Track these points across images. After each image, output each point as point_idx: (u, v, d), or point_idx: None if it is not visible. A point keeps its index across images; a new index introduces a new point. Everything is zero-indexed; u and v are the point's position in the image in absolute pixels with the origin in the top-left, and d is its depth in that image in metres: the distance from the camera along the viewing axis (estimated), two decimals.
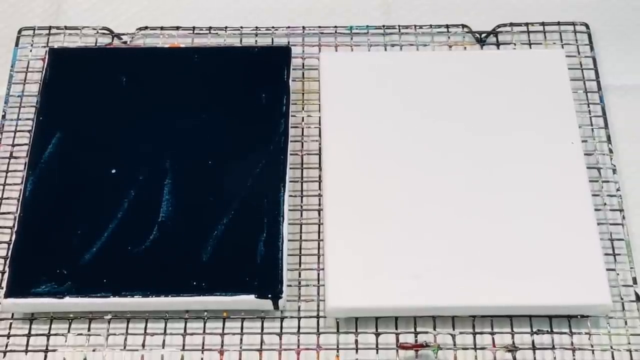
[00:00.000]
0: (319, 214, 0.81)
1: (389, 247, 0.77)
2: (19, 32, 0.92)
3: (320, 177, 0.83)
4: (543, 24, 0.92)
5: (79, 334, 0.76)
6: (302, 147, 0.85)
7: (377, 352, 0.75)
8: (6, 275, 0.77)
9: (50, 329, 0.76)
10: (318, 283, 0.78)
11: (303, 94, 0.88)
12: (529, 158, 0.82)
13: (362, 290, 0.76)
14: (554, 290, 0.75)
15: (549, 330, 0.76)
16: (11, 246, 0.79)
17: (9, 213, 0.81)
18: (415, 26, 0.92)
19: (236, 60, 0.88)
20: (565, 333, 0.76)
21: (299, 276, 0.79)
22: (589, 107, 0.87)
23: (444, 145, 0.82)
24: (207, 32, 0.92)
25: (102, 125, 0.84)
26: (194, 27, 0.92)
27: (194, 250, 0.78)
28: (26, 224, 0.79)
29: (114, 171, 0.82)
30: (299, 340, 0.76)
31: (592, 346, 0.75)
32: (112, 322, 0.76)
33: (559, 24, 0.92)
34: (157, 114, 0.85)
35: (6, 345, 0.76)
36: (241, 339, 0.76)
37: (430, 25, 0.92)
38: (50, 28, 0.92)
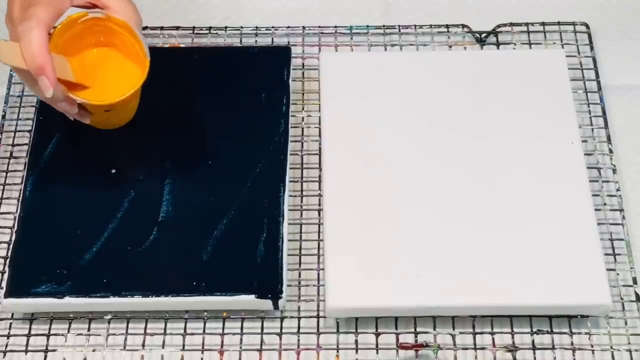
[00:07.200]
0: (319, 214, 0.81)
1: (389, 247, 0.77)
2: None
3: (320, 177, 0.83)
4: (543, 24, 0.92)
5: (78, 334, 0.76)
6: (302, 147, 0.85)
7: (377, 352, 0.75)
8: (6, 275, 0.77)
9: (50, 329, 0.76)
10: (318, 283, 0.78)
11: (303, 94, 0.88)
12: (529, 158, 0.81)
13: (362, 290, 0.76)
14: (554, 290, 0.75)
15: (549, 330, 0.76)
16: (11, 246, 0.79)
17: (9, 213, 0.81)
18: (415, 26, 0.92)
19: (236, 60, 0.88)
20: (565, 333, 0.76)
21: (299, 276, 0.79)
22: (589, 107, 0.87)
23: (443, 145, 0.82)
24: (207, 32, 0.92)
25: None
26: (194, 27, 0.92)
27: (193, 250, 0.78)
28: (26, 224, 0.79)
29: (114, 171, 0.82)
30: (299, 340, 0.76)
31: (592, 346, 0.75)
32: (112, 322, 0.76)
33: (559, 24, 0.92)
34: (157, 113, 0.85)
35: (6, 345, 0.76)
36: (241, 339, 0.76)
37: (430, 25, 0.92)
38: None
